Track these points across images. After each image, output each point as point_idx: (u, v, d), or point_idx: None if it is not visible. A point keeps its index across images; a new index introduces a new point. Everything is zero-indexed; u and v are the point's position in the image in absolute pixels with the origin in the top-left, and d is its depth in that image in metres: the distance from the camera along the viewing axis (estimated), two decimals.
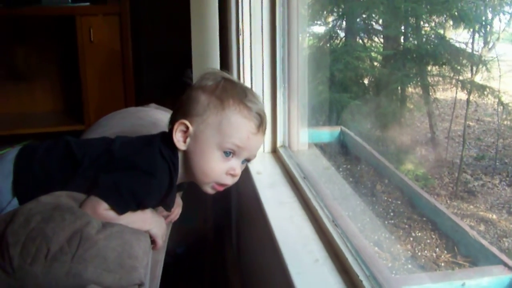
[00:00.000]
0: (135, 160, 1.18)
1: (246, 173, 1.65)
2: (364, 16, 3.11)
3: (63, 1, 2.84)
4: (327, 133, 2.36)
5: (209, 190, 1.25)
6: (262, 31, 1.75)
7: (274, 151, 1.80)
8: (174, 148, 1.21)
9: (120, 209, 1.12)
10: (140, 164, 1.16)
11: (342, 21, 3.24)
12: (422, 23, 2.57)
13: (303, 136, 1.82)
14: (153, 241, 1.19)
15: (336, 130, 2.37)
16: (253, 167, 1.66)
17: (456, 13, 2.25)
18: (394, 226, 1.70)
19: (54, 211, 1.01)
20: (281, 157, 1.72)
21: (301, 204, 1.39)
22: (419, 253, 1.52)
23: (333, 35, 3.24)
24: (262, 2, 1.76)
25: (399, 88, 2.72)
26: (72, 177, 1.19)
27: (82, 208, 1.09)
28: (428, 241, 1.56)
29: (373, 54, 3.07)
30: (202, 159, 1.21)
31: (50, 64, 3.19)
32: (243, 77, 1.81)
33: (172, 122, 1.23)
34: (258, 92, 1.78)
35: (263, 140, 1.29)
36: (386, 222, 1.73)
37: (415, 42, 2.62)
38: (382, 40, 3.01)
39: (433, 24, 2.52)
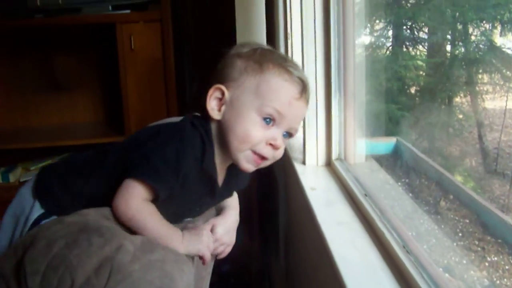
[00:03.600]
0: (161, 130, 1.10)
1: (298, 188, 1.49)
2: (409, 24, 2.97)
3: (104, 9, 2.74)
4: (382, 144, 2.20)
5: (246, 163, 1.12)
6: (315, 32, 1.60)
7: (329, 164, 1.64)
8: (207, 119, 1.12)
9: (158, 182, 1.02)
10: (166, 131, 1.09)
11: (389, 30, 3.10)
12: (471, 29, 2.41)
13: (360, 148, 1.65)
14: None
15: (392, 141, 2.21)
16: (307, 182, 1.50)
17: (507, 18, 2.08)
18: (465, 249, 1.52)
19: (79, 234, 0.86)
20: (337, 171, 1.56)
21: (363, 225, 1.22)
22: (498, 281, 1.34)
23: (379, 44, 3.10)
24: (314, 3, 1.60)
25: (446, 97, 2.56)
26: (99, 168, 1.12)
27: (116, 201, 1.00)
28: (507, 267, 1.37)
29: (419, 62, 2.91)
30: (239, 123, 1.08)
31: (90, 74, 3.10)
32: None
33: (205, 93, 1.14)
34: (311, 101, 1.63)
35: (306, 110, 1.16)
36: (455, 244, 1.55)
37: (463, 50, 2.46)
38: (427, 48, 2.86)
39: (482, 29, 2.36)
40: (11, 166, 2.90)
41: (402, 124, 2.57)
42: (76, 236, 0.86)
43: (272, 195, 2.32)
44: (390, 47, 3.03)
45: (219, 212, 1.31)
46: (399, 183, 1.93)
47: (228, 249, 1.29)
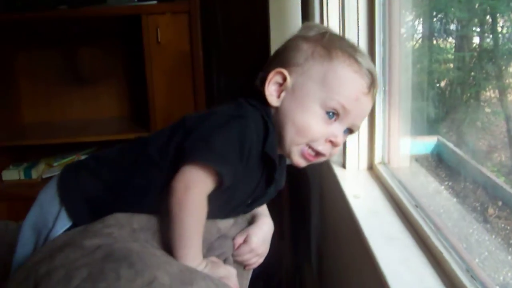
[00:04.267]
0: (215, 110, 0.99)
1: (339, 195, 1.38)
2: (439, 16, 2.84)
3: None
4: (422, 144, 2.07)
5: (299, 158, 1.02)
6: (358, 24, 1.47)
7: (371, 168, 1.51)
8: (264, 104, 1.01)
9: (221, 164, 0.90)
10: (223, 110, 0.98)
11: (419, 22, 2.99)
12: (502, 22, 2.29)
13: (404, 149, 1.53)
14: None
15: (432, 140, 2.07)
16: (348, 188, 1.38)
17: None
18: None
19: (105, 263, 0.73)
20: (380, 176, 1.44)
21: (417, 242, 1.10)
22: None
23: (409, 36, 3.00)
24: None
25: (476, 91, 2.45)
26: (140, 156, 1.00)
27: (174, 185, 0.89)
28: None
29: (449, 56, 2.80)
30: (300, 113, 0.98)
31: (115, 67, 3.01)
32: None
33: (263, 77, 1.02)
34: None
35: (371, 108, 1.05)
36: (510, 257, 1.42)
37: (492, 42, 2.35)
38: (455, 41, 2.74)
39: None
40: (34, 162, 2.82)
41: (430, 119, 2.46)
42: (100, 266, 0.73)
43: (304, 196, 2.21)
44: (420, 40, 2.91)
45: (251, 220, 1.19)
46: (442, 187, 1.80)
47: (260, 261, 1.18)
